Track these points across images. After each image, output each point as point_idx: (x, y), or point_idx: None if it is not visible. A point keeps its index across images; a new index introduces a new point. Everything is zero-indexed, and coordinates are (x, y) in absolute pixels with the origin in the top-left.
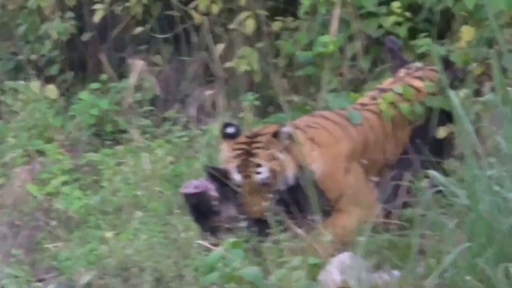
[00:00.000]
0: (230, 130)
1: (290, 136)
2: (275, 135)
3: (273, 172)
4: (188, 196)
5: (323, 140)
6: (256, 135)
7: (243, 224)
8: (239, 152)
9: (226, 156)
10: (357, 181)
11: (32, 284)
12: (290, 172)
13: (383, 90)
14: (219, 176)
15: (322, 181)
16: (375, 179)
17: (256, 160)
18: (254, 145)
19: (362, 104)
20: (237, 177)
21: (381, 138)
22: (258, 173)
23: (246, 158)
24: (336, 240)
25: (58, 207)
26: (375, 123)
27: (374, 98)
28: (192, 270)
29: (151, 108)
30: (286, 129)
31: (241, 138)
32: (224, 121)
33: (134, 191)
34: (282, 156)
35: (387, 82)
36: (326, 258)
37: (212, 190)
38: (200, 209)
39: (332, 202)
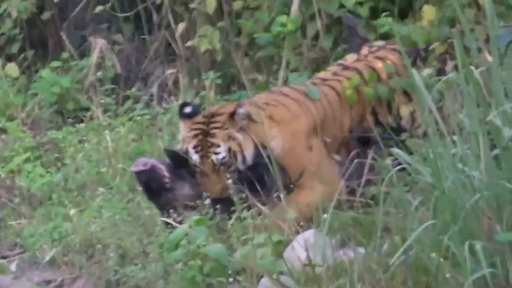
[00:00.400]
0: (188, 109)
1: (247, 115)
2: (232, 115)
3: (231, 152)
4: (137, 174)
5: (281, 117)
6: (213, 114)
7: (206, 202)
8: (196, 132)
9: (184, 135)
10: (318, 157)
11: None
12: (249, 152)
13: (346, 67)
14: (178, 157)
15: (282, 158)
16: (337, 156)
17: (213, 140)
18: (212, 125)
19: (323, 79)
20: (195, 157)
21: (339, 113)
22: (216, 153)
23: (204, 138)
24: (300, 216)
25: (21, 184)
26: (333, 98)
27: (335, 74)
28: (156, 247)
29: (113, 86)
30: (242, 110)
31: (199, 118)
32: (182, 100)
33: (97, 169)
34: (239, 135)
35: (350, 59)
36: (291, 235)
37: (163, 170)
38: (152, 187)
39: (293, 179)
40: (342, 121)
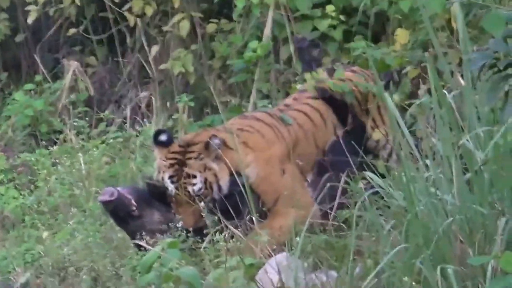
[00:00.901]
0: (163, 137)
1: (223, 143)
2: (207, 145)
3: (207, 182)
4: (104, 204)
5: (256, 144)
6: (189, 144)
7: (178, 225)
8: (172, 162)
9: (159, 164)
10: (292, 182)
11: None
12: (224, 180)
13: (303, 91)
14: (158, 191)
15: (258, 185)
16: (309, 178)
17: (190, 171)
18: (188, 155)
19: (286, 105)
20: (170, 187)
21: (311, 132)
22: (193, 184)
23: (180, 168)
24: (273, 240)
25: None
26: (302, 120)
27: (296, 99)
28: (129, 269)
29: (86, 109)
30: (217, 140)
31: (174, 147)
32: (155, 123)
33: (70, 191)
34: (215, 165)
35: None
36: (263, 258)
37: (130, 200)
38: (119, 215)
39: (268, 205)
40: (315, 138)
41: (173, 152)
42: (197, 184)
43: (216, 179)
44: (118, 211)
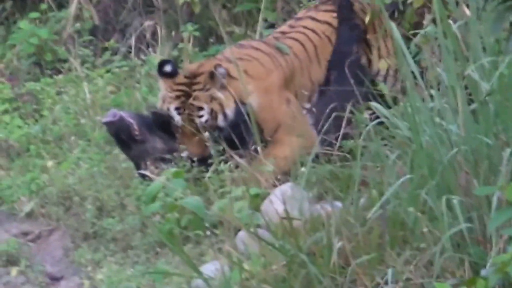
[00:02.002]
0: (168, 68)
1: (226, 73)
2: (212, 75)
3: (213, 113)
4: (107, 124)
5: (256, 73)
6: (194, 75)
7: (183, 154)
8: (178, 93)
9: (164, 95)
10: (291, 110)
11: None
12: (230, 108)
13: (299, 18)
14: (163, 120)
15: (259, 113)
16: (307, 104)
17: (197, 103)
18: (194, 87)
19: (283, 32)
20: (177, 118)
21: (306, 62)
22: (200, 116)
23: (187, 101)
24: (277, 169)
25: None
26: (298, 49)
27: (292, 26)
28: (134, 199)
29: (91, 38)
30: (221, 69)
31: (180, 78)
32: (159, 53)
33: (75, 121)
34: (221, 95)
35: (301, 12)
36: (268, 188)
37: (133, 123)
38: (122, 138)
39: (269, 134)
40: (310, 72)
41: (178, 84)
42: (204, 116)
43: (221, 108)
44: (120, 134)
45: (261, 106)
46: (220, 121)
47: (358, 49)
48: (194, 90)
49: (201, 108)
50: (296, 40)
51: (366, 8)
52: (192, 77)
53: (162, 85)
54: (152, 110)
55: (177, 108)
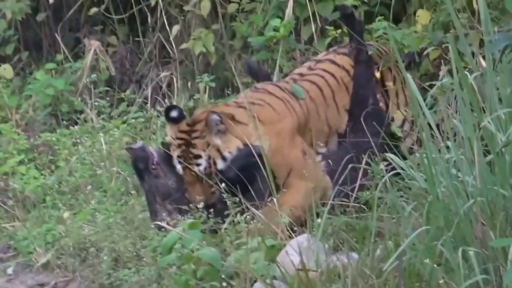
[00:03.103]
0: (174, 113)
1: (231, 117)
2: (206, 123)
3: (210, 159)
4: (129, 150)
5: (267, 117)
6: (195, 122)
7: (200, 205)
8: (180, 142)
9: (170, 142)
10: (303, 156)
11: None
12: (229, 149)
13: (318, 61)
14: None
15: (271, 158)
16: (322, 149)
17: (195, 151)
18: (193, 135)
19: (301, 74)
20: (178, 167)
21: (323, 107)
22: (198, 164)
23: (187, 149)
24: (292, 219)
25: (14, 186)
26: (314, 92)
27: (311, 68)
28: (150, 250)
29: (107, 88)
30: (214, 116)
31: (183, 126)
32: (167, 105)
33: (90, 172)
34: (217, 140)
35: (320, 54)
36: (284, 239)
37: (153, 155)
38: (139, 167)
39: (283, 178)
40: (327, 116)
41: (181, 131)
42: (202, 164)
43: (219, 153)
44: (138, 162)
45: (273, 151)
46: (220, 165)
47: (375, 92)
48: (193, 138)
49: (199, 157)
50: (314, 83)
51: (382, 55)
52: (193, 124)
53: (169, 131)
54: (163, 140)
55: (178, 157)
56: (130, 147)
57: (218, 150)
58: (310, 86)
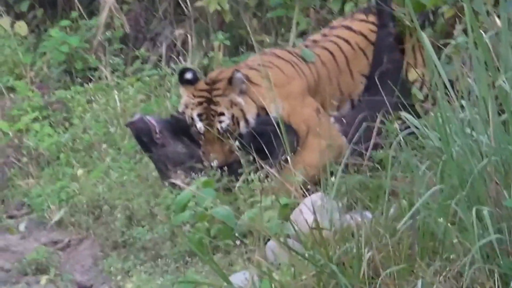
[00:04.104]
0: (188, 75)
1: (247, 78)
2: (230, 81)
3: (234, 118)
4: (129, 125)
5: (276, 79)
6: (214, 81)
7: (213, 163)
8: (200, 99)
9: (187, 101)
10: (317, 116)
11: (3, 221)
12: (251, 115)
13: (334, 27)
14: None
15: (289, 118)
16: (336, 113)
17: (217, 108)
18: (214, 93)
19: (314, 41)
20: (199, 124)
21: (335, 72)
22: (221, 121)
23: (208, 106)
24: (306, 178)
25: (28, 144)
26: (326, 58)
27: (325, 35)
28: (164, 209)
29: (122, 46)
30: (239, 74)
31: (201, 85)
32: (190, 61)
33: (105, 129)
34: (241, 100)
35: (337, 20)
36: (298, 198)
37: (154, 126)
38: (143, 140)
39: (303, 138)
40: (339, 82)
41: (200, 90)
42: (225, 121)
43: (242, 114)
44: (141, 135)
45: (285, 112)
46: (242, 128)
47: (397, 56)
48: (215, 96)
49: (222, 114)
50: (326, 49)
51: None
52: (212, 83)
53: (184, 92)
54: (172, 113)
55: (199, 115)
56: (129, 122)
57: (242, 111)
58: (322, 52)
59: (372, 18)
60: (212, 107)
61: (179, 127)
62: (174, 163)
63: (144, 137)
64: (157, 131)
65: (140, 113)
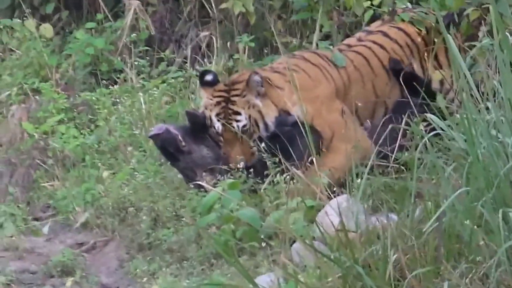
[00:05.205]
0: (208, 77)
1: (266, 81)
2: (248, 82)
3: (251, 119)
4: (153, 138)
5: (301, 84)
6: (234, 82)
7: (240, 165)
8: (218, 99)
9: (206, 102)
10: (344, 120)
11: (28, 223)
12: (270, 118)
13: (370, 32)
14: (198, 120)
15: (313, 122)
16: (367, 123)
17: (234, 107)
18: (232, 93)
19: (348, 45)
20: (217, 124)
21: (369, 76)
22: (237, 120)
23: (226, 106)
24: (332, 180)
25: (54, 145)
26: (360, 62)
27: (360, 39)
28: (189, 210)
29: (147, 48)
30: (256, 76)
31: (220, 86)
32: (215, 63)
33: (130, 131)
34: (259, 102)
35: (374, 25)
36: (323, 200)
37: (178, 134)
38: (169, 150)
39: (327, 142)
40: (374, 83)
41: (219, 91)
42: (242, 121)
43: (261, 116)
44: (167, 146)
45: (309, 115)
46: (262, 130)
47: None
48: (232, 96)
49: (238, 113)
50: (359, 53)
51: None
52: (231, 84)
53: (203, 94)
54: (187, 109)
55: (217, 114)
56: (155, 134)
57: (260, 113)
58: (355, 56)
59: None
60: (230, 106)
61: (196, 126)
62: (202, 167)
63: (170, 147)
64: (181, 138)
65: (161, 124)
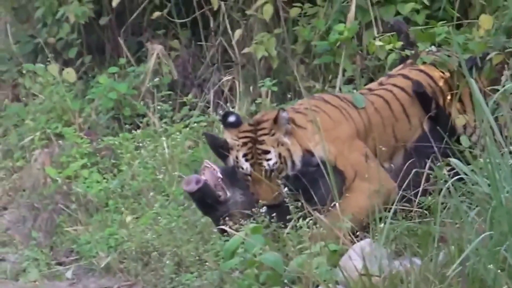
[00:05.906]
0: (232, 118)
1: (291, 120)
2: (276, 120)
3: (281, 157)
4: (191, 194)
5: (322, 124)
6: (259, 122)
7: (262, 210)
8: (245, 140)
9: (231, 144)
10: (363, 158)
11: (52, 267)
12: (298, 156)
13: (391, 75)
14: (216, 141)
15: (336, 162)
16: (387, 164)
17: (263, 147)
18: (260, 132)
19: (369, 89)
20: (245, 165)
21: (390, 120)
22: (267, 159)
23: (254, 146)
24: (354, 223)
25: (77, 190)
26: (380, 105)
27: (381, 84)
28: (213, 255)
29: (169, 92)
30: (285, 114)
31: (245, 126)
32: (238, 108)
33: (153, 176)
34: (287, 140)
35: (396, 68)
36: (347, 244)
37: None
38: (206, 202)
39: (350, 181)
40: (394, 127)
41: (244, 131)
42: (272, 159)
43: (289, 154)
44: (205, 198)
45: (331, 155)
46: (289, 168)
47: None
48: (260, 135)
49: (267, 152)
50: (381, 97)
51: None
52: (257, 124)
53: (227, 136)
54: (205, 132)
55: (244, 155)
56: (194, 190)
57: (289, 151)
58: (377, 99)
59: (432, 71)
60: (258, 146)
61: (214, 146)
62: (235, 215)
63: (208, 200)
64: (223, 185)
65: (196, 175)
